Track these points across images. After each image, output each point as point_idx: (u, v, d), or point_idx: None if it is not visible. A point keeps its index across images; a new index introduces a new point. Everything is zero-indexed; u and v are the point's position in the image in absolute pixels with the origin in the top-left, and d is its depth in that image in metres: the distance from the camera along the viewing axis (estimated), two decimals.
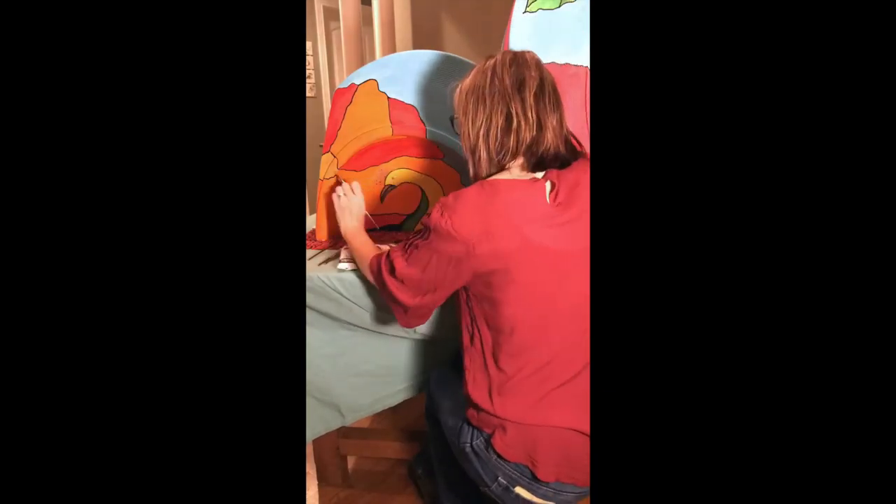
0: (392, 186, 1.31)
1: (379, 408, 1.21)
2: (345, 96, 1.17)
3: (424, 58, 1.15)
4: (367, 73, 1.16)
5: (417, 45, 3.00)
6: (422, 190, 1.31)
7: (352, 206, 1.11)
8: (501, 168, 0.85)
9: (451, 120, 0.92)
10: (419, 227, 0.86)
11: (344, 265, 1.08)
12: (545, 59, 1.10)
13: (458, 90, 0.88)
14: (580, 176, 0.84)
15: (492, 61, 0.85)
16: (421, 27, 3.02)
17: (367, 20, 2.99)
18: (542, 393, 0.84)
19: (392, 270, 0.88)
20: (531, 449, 0.84)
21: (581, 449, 0.84)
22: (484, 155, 0.84)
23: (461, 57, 1.15)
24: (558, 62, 1.10)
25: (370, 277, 0.96)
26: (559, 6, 1.09)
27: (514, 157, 0.83)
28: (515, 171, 0.85)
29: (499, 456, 0.85)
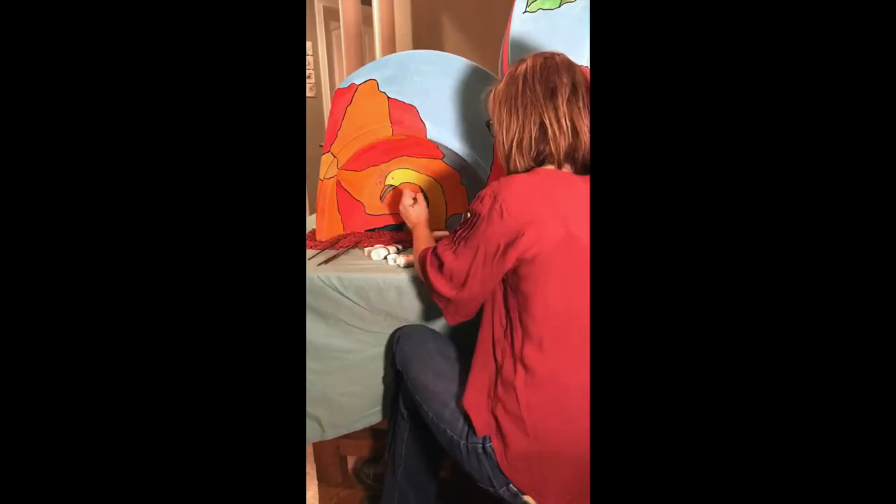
0: (392, 186, 1.31)
1: (360, 426, 1.20)
2: (345, 96, 1.17)
3: (424, 58, 1.15)
4: (367, 73, 1.16)
5: (417, 45, 3.00)
6: (422, 190, 1.31)
7: (424, 212, 1.18)
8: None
9: (488, 124, 0.92)
10: (465, 216, 0.86)
11: (397, 258, 1.13)
12: None
13: (491, 96, 0.89)
14: None
15: (523, 67, 0.85)
16: (421, 27, 3.03)
17: (367, 20, 2.99)
18: (566, 378, 0.82)
19: (440, 266, 0.88)
20: (539, 483, 0.84)
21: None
22: (519, 162, 0.85)
23: (461, 57, 1.15)
24: None
25: (417, 269, 0.98)
26: (559, 6, 1.09)
27: (553, 163, 0.84)
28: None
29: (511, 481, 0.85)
